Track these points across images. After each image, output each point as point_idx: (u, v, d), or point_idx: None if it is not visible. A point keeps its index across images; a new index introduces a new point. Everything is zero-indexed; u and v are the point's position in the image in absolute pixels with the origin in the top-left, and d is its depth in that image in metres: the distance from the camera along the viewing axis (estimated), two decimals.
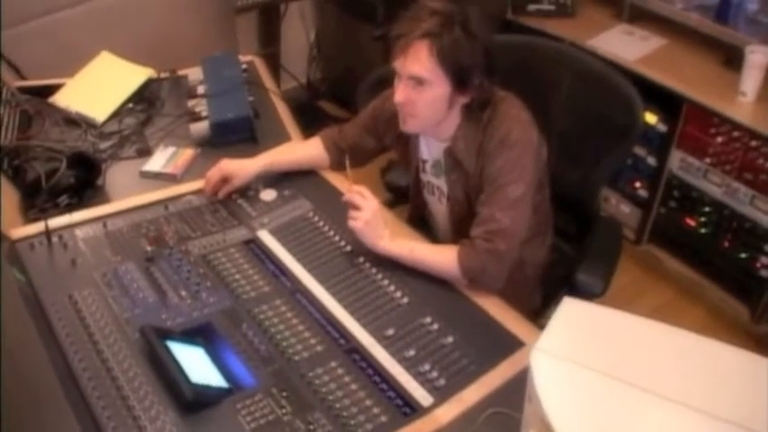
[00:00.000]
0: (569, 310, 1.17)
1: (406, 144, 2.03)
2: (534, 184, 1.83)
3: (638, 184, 3.09)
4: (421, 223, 2.18)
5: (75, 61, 2.72)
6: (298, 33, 4.24)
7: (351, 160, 1.93)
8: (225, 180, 2.08)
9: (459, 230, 1.91)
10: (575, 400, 1.03)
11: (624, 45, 3.04)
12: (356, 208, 1.82)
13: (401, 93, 1.76)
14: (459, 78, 1.71)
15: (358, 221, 1.81)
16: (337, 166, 2.17)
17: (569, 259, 2.25)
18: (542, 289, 2.14)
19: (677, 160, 2.89)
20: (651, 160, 3.00)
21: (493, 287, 1.79)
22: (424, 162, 2.01)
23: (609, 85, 2.09)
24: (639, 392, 1.01)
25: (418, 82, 1.72)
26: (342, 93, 4.24)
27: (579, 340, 1.12)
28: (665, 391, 1.01)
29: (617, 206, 3.20)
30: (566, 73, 2.16)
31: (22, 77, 2.88)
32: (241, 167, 2.09)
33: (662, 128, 2.90)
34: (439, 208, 2.07)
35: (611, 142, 2.11)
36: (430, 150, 1.97)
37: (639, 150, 2.99)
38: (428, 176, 2.03)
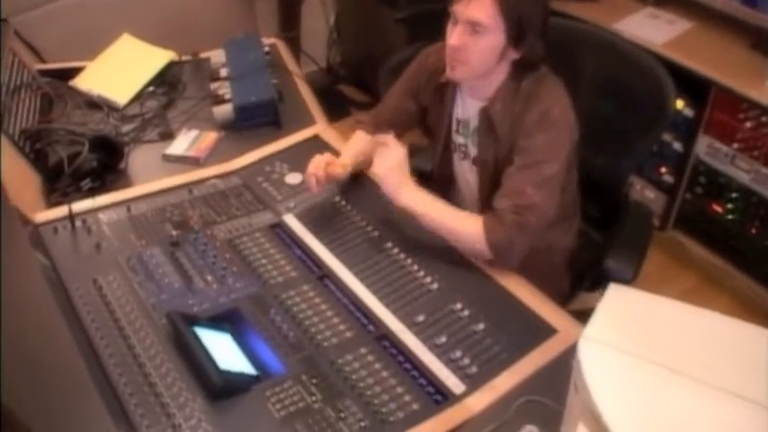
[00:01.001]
0: (615, 297, 1.14)
1: (441, 101, 1.99)
2: (566, 165, 1.80)
3: (663, 170, 3.05)
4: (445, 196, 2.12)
5: (95, 44, 2.70)
6: (317, 17, 4.21)
7: (392, 131, 1.92)
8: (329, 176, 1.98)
9: (488, 198, 1.86)
10: (624, 389, 1.00)
11: (650, 29, 2.99)
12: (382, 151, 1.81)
13: (457, 37, 1.73)
14: (516, 30, 1.71)
15: (380, 168, 1.79)
16: None
17: (597, 245, 2.22)
18: (570, 275, 2.11)
19: (704, 146, 2.84)
20: (677, 146, 2.95)
21: (513, 264, 1.76)
22: (458, 122, 1.98)
23: (639, 68, 2.06)
24: (690, 381, 0.99)
25: (475, 28, 1.70)
26: (362, 76, 4.21)
27: (627, 328, 1.09)
28: (716, 380, 0.98)
29: (642, 192, 3.15)
30: (594, 56, 2.12)
31: (42, 60, 2.86)
32: (343, 165, 2.00)
33: (688, 113, 2.85)
34: (467, 173, 2.03)
35: (641, 127, 2.08)
36: (465, 109, 1.94)
37: (665, 135, 2.94)
38: (459, 137, 2.00)
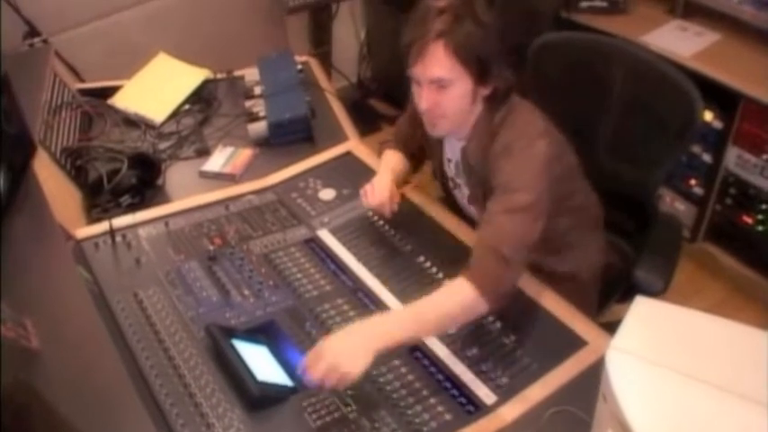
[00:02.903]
0: (642, 309, 1.16)
1: (435, 142, 2.00)
2: (547, 194, 1.69)
3: (693, 182, 3.05)
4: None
5: (132, 63, 2.77)
6: (348, 32, 4.26)
7: (409, 151, 1.97)
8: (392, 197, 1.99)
9: None
10: (652, 400, 1.02)
11: (678, 41, 2.99)
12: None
13: (426, 99, 1.72)
14: (479, 70, 1.68)
15: (336, 357, 1.44)
16: (411, 158, 2.14)
17: (628, 257, 2.23)
18: (600, 287, 2.12)
19: (733, 157, 2.85)
20: (706, 157, 2.95)
21: (508, 294, 1.66)
22: (449, 162, 2.00)
23: (667, 81, 2.06)
24: (717, 392, 1.01)
25: (441, 84, 1.68)
26: (392, 91, 4.24)
27: (654, 339, 1.11)
28: (743, 390, 1.00)
29: (672, 204, 3.16)
30: (622, 70, 2.13)
31: (81, 79, 2.93)
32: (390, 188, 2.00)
33: (717, 125, 2.85)
34: (467, 209, 2.05)
35: (669, 139, 2.08)
36: (452, 149, 1.96)
37: (694, 147, 2.94)
38: (454, 177, 2.02)
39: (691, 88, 2.03)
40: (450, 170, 2.01)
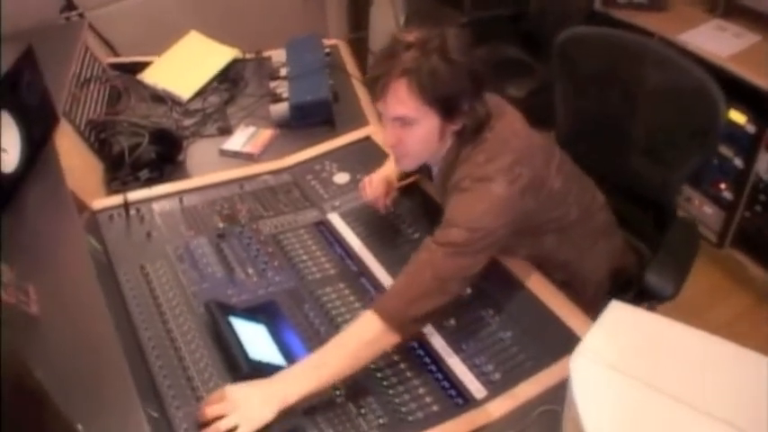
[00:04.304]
0: (615, 315, 1.15)
1: None
2: (503, 230, 1.62)
3: (722, 186, 2.99)
4: None
5: (167, 39, 2.81)
6: (387, 18, 4.24)
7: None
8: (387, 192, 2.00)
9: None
10: (612, 409, 1.01)
11: (716, 41, 2.94)
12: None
13: (389, 136, 1.68)
14: (445, 108, 1.61)
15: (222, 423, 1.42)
16: None
17: (644, 259, 2.20)
18: (610, 289, 2.09)
19: (765, 163, 2.79)
20: (738, 162, 2.90)
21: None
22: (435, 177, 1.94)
23: (691, 81, 2.03)
24: (679, 406, 0.99)
25: (405, 122, 1.62)
26: None
27: (622, 347, 1.09)
28: (705, 405, 0.98)
29: (700, 207, 3.10)
30: (646, 67, 2.10)
31: (116, 54, 2.98)
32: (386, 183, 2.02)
33: (750, 129, 2.79)
34: None
35: (692, 142, 2.05)
36: (435, 171, 1.89)
37: (726, 151, 2.89)
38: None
39: (714, 90, 1.98)
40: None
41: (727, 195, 2.99)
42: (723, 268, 3.07)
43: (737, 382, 1.03)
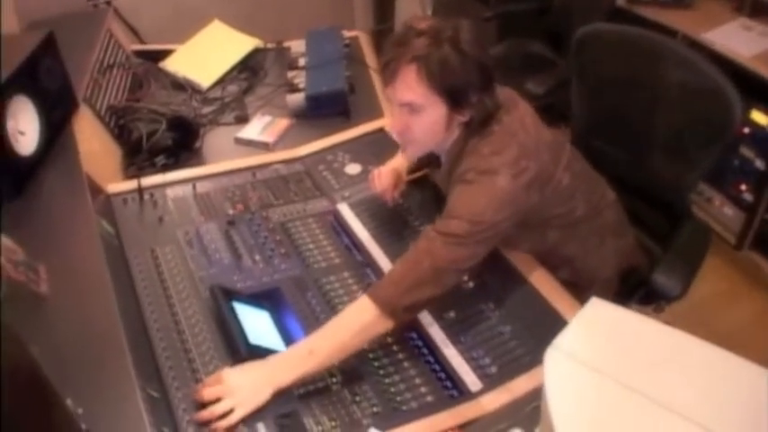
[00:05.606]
0: (594, 312, 1.15)
1: None
2: (504, 224, 1.64)
3: (743, 187, 2.97)
4: None
5: (191, 26, 2.85)
6: (413, 10, 4.25)
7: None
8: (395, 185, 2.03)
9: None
10: (580, 403, 1.01)
11: (741, 40, 2.91)
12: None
13: (397, 122, 1.70)
14: (453, 98, 1.62)
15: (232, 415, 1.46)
16: None
17: (654, 259, 2.20)
18: (618, 288, 2.09)
19: None
20: (759, 163, 2.87)
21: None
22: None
23: (708, 81, 2.02)
24: (649, 404, 0.99)
25: (412, 108, 1.63)
26: None
27: (598, 343, 1.10)
28: (677, 406, 0.98)
29: (720, 208, 3.08)
30: (663, 66, 2.10)
31: (141, 41, 3.03)
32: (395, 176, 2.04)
33: None
34: None
35: (707, 142, 2.04)
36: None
37: (747, 152, 2.87)
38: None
39: (730, 91, 1.97)
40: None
41: (748, 197, 2.96)
42: (742, 270, 3.05)
43: (711, 384, 1.03)
